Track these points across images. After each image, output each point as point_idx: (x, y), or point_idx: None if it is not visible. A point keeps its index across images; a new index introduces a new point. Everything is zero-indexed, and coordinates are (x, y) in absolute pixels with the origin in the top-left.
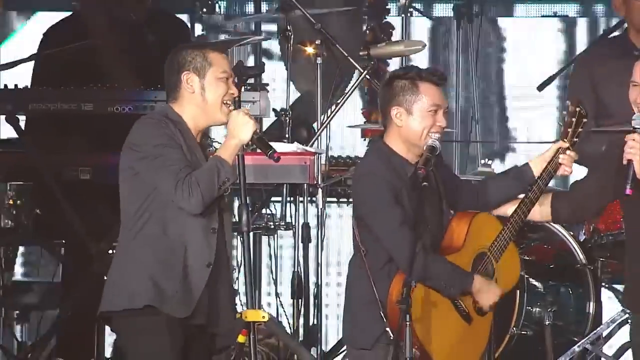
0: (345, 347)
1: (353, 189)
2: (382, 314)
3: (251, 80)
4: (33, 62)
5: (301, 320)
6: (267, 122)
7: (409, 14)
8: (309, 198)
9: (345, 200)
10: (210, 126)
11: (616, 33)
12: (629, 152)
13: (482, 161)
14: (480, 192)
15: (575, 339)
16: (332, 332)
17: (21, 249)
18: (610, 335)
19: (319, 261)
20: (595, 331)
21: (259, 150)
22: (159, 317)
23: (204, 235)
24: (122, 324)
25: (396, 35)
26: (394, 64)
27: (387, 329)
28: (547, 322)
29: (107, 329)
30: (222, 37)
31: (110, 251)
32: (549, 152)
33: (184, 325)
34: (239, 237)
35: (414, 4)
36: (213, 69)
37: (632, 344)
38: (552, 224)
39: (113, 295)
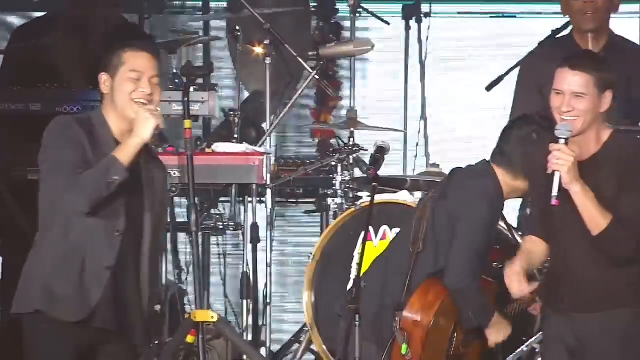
0: (293, 348)
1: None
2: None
3: (200, 81)
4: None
5: (250, 321)
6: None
7: (358, 14)
8: (257, 198)
9: (293, 200)
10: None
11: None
12: (556, 163)
13: (431, 162)
14: None
15: (524, 338)
16: (280, 332)
17: None
18: None
19: (268, 261)
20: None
21: (207, 150)
22: (50, 322)
23: (106, 237)
24: (22, 328)
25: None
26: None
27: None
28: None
29: None
30: (170, 37)
31: None
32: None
33: (82, 330)
34: (187, 237)
35: (362, 4)
36: (123, 68)
37: (544, 336)
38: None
39: (16, 298)
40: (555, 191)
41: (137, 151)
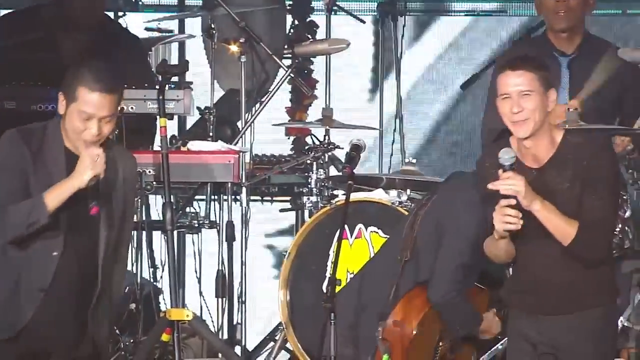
0: (268, 346)
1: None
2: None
3: (175, 79)
4: None
5: (225, 319)
6: (191, 120)
7: (333, 13)
8: (232, 197)
9: (269, 199)
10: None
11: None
12: (509, 190)
13: (407, 159)
14: None
15: (499, 337)
16: (255, 330)
17: None
18: None
19: (243, 259)
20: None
21: (182, 149)
22: None
23: (42, 258)
24: None
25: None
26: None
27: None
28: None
29: None
30: (146, 35)
31: None
32: None
33: (11, 346)
34: (162, 236)
35: (338, 3)
36: (75, 104)
37: (508, 336)
38: None
39: None
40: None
41: (68, 194)
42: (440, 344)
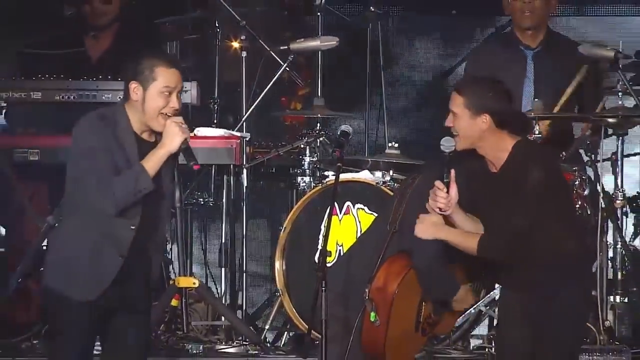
0: (266, 310)
1: None
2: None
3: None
4: None
5: (228, 286)
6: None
7: (324, 13)
8: (235, 177)
9: (267, 179)
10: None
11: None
12: (434, 204)
13: (389, 144)
14: None
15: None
16: (254, 296)
17: None
18: None
19: (244, 233)
20: (488, 295)
21: (191, 135)
22: (68, 299)
23: (123, 229)
24: (44, 297)
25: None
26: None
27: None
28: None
29: None
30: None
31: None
32: None
33: (94, 307)
34: (172, 212)
35: (327, 5)
36: (156, 83)
37: (499, 316)
38: None
39: (44, 275)
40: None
41: (162, 162)
42: (423, 304)
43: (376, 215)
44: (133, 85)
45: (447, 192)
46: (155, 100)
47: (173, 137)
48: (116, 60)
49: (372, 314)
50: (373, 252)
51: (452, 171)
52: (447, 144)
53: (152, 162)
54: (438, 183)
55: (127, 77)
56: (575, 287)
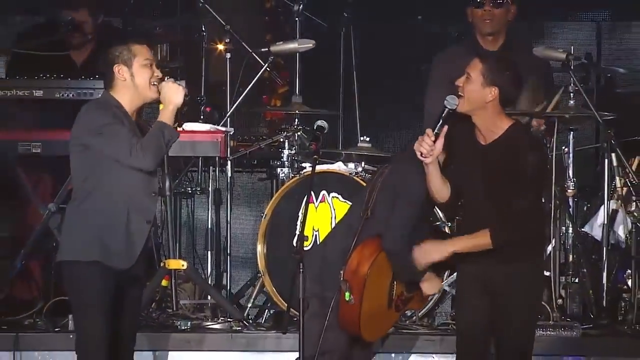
0: (249, 290)
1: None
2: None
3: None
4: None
5: (213, 268)
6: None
7: (302, 18)
8: (220, 168)
9: (249, 170)
10: (144, 103)
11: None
12: (419, 150)
13: (361, 138)
14: None
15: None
16: (238, 277)
17: None
18: None
19: (228, 220)
20: (453, 275)
21: (179, 129)
22: (96, 268)
23: (146, 197)
24: (69, 272)
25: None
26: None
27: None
28: None
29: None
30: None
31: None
32: None
33: (120, 275)
34: (162, 200)
35: (304, 11)
36: (137, 58)
37: (457, 289)
38: None
39: (66, 249)
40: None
41: (174, 115)
42: (395, 283)
43: (349, 203)
44: (117, 67)
45: (434, 142)
46: (142, 73)
47: (175, 93)
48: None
49: (347, 293)
50: (347, 236)
51: (445, 127)
52: (451, 101)
53: (167, 117)
54: (429, 130)
55: (107, 64)
56: (534, 264)
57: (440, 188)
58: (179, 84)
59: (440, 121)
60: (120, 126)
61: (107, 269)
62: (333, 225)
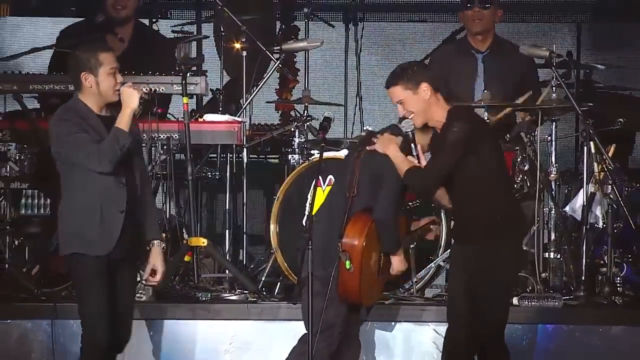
0: (263, 265)
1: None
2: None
3: (194, 68)
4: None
5: (231, 245)
6: (206, 99)
7: (310, 19)
8: (236, 155)
9: (263, 157)
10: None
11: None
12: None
13: (365, 127)
14: None
15: (431, 257)
16: (253, 254)
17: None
18: None
19: (244, 201)
20: (447, 251)
21: (199, 119)
22: (86, 258)
23: (116, 189)
24: (66, 264)
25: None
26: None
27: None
28: (411, 246)
29: None
30: (173, 36)
31: None
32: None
33: (107, 260)
34: (185, 183)
35: (314, 13)
36: (103, 67)
37: (449, 265)
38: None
39: (60, 244)
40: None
41: (131, 118)
42: (382, 254)
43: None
44: (84, 75)
45: (419, 162)
46: (107, 81)
47: (130, 97)
48: (132, 59)
49: (347, 262)
50: (329, 219)
51: (419, 145)
52: (406, 125)
53: (123, 122)
54: (411, 158)
55: (76, 69)
56: (507, 244)
57: (443, 196)
58: (135, 88)
59: (412, 145)
60: (81, 135)
61: (91, 257)
62: None
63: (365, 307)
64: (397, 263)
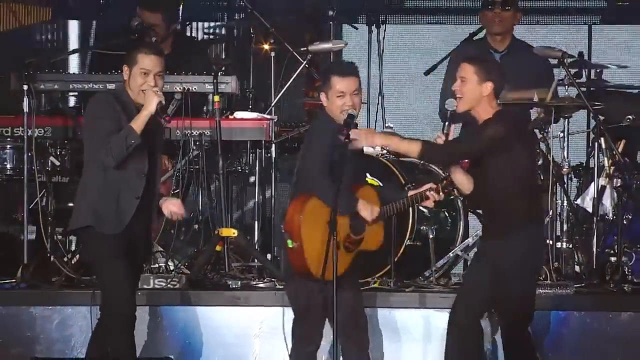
0: None
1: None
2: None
3: (225, 68)
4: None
5: (260, 235)
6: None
7: (335, 22)
8: (265, 150)
9: (291, 152)
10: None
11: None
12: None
13: (386, 125)
14: None
15: (450, 247)
16: (280, 244)
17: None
18: (474, 245)
19: (272, 194)
20: (464, 242)
21: (230, 117)
22: (97, 234)
23: (136, 177)
24: (78, 238)
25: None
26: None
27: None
28: (431, 236)
29: None
30: (205, 37)
31: None
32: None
33: (119, 239)
34: (217, 177)
35: (339, 16)
36: (136, 66)
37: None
38: (438, 168)
39: (73, 219)
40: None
41: (147, 120)
42: (351, 228)
43: (376, 180)
44: (124, 67)
45: (446, 140)
46: (136, 79)
47: (150, 101)
48: (174, 62)
49: (289, 241)
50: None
51: (452, 125)
52: (450, 104)
53: (138, 122)
54: (440, 133)
55: (123, 63)
56: (523, 238)
57: (462, 182)
58: (158, 94)
59: (447, 122)
60: (106, 122)
61: (102, 234)
62: None
63: (322, 279)
64: (365, 214)
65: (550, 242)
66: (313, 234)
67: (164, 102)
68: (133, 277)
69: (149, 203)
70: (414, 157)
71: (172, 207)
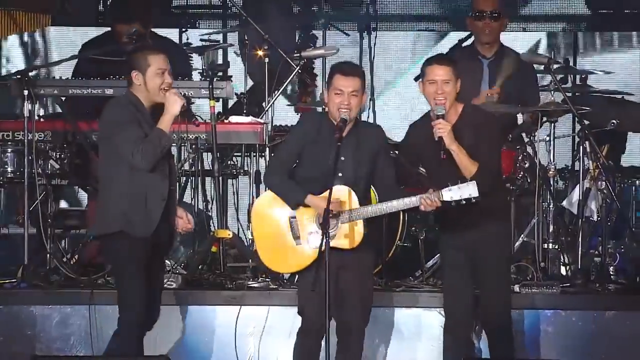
0: None
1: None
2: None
3: (220, 73)
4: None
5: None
6: (231, 102)
7: (327, 28)
8: (259, 153)
9: None
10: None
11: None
12: (439, 131)
13: None
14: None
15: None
16: None
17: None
18: None
19: None
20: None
21: (225, 121)
22: (127, 238)
23: (161, 179)
24: (105, 244)
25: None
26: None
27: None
28: (421, 237)
29: None
30: (200, 44)
31: None
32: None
33: (146, 243)
34: (212, 180)
35: (331, 22)
36: (151, 67)
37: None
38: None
39: (99, 225)
40: (442, 150)
41: (171, 122)
42: (293, 221)
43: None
44: (134, 74)
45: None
46: (154, 80)
47: (174, 103)
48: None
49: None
50: None
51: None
52: (440, 110)
53: (165, 125)
54: (434, 117)
55: (128, 68)
56: (504, 225)
57: (466, 165)
58: (179, 97)
59: (440, 119)
60: (132, 127)
61: (132, 238)
62: None
63: (280, 272)
64: (171, 108)
65: (537, 242)
66: (267, 232)
67: (186, 105)
68: (156, 275)
69: (172, 203)
70: (467, 176)
71: (181, 222)
